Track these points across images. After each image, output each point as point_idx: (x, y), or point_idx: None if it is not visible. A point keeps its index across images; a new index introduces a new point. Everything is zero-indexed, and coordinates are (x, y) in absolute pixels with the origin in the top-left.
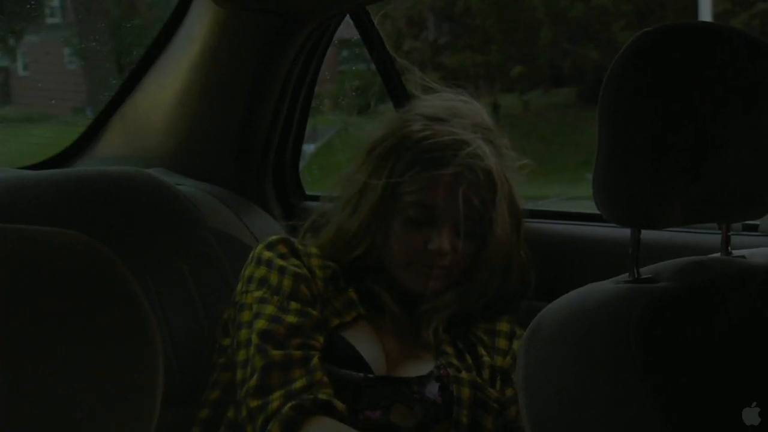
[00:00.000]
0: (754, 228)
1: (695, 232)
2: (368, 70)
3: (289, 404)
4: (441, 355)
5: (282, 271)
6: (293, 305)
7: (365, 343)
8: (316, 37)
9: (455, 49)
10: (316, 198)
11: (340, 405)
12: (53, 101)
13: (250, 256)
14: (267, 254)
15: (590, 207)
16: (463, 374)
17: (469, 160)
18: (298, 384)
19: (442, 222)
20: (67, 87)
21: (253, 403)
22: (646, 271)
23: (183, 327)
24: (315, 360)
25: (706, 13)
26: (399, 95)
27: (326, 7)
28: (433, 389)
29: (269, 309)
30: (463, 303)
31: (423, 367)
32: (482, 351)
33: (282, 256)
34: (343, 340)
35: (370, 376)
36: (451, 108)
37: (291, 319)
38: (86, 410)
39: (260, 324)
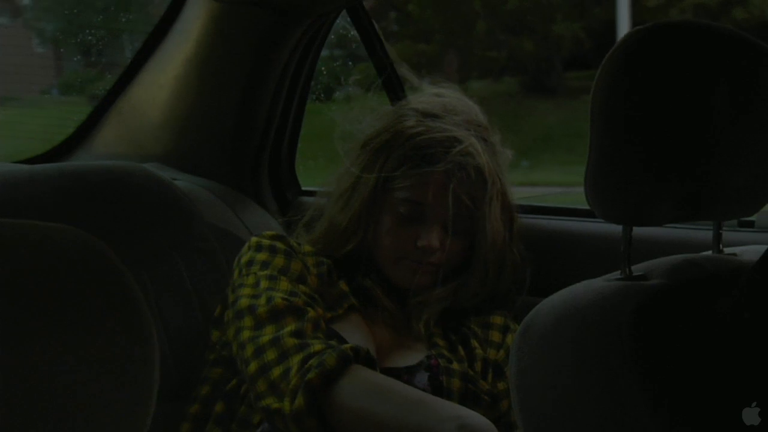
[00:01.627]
0: (750, 224)
1: (688, 229)
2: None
3: (332, 349)
4: (432, 347)
5: (288, 255)
6: (302, 288)
7: (356, 335)
8: (312, 33)
9: (398, 37)
10: (311, 193)
11: (375, 361)
12: (21, 84)
13: (247, 245)
14: (266, 241)
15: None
16: (454, 365)
17: (460, 158)
18: (327, 340)
19: (431, 219)
20: (35, 70)
21: (291, 342)
22: (638, 268)
23: (178, 322)
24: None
25: (623, 8)
26: (395, 89)
27: (322, 2)
28: (422, 378)
29: (284, 285)
30: (455, 299)
31: (413, 358)
32: (475, 343)
33: (283, 247)
34: (334, 332)
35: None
36: (445, 104)
37: (305, 299)
38: (81, 404)
39: (279, 294)
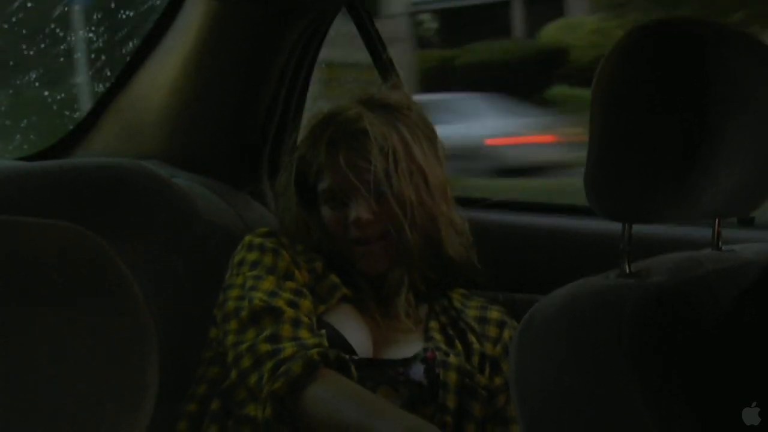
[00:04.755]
0: (750, 222)
1: (687, 227)
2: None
3: (300, 354)
4: (429, 341)
5: (276, 253)
6: (289, 284)
7: (350, 327)
8: (311, 30)
9: None
10: None
11: (348, 362)
12: None
13: (240, 244)
14: (258, 240)
15: None
16: (451, 358)
17: (342, 126)
18: (309, 339)
19: (350, 194)
20: None
21: (264, 348)
22: (637, 266)
23: (176, 320)
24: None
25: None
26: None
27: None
28: (418, 371)
29: (266, 284)
30: (411, 274)
31: (409, 350)
32: (472, 338)
33: (272, 246)
34: (328, 325)
35: (355, 358)
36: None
37: (288, 296)
38: (80, 404)
39: (259, 295)
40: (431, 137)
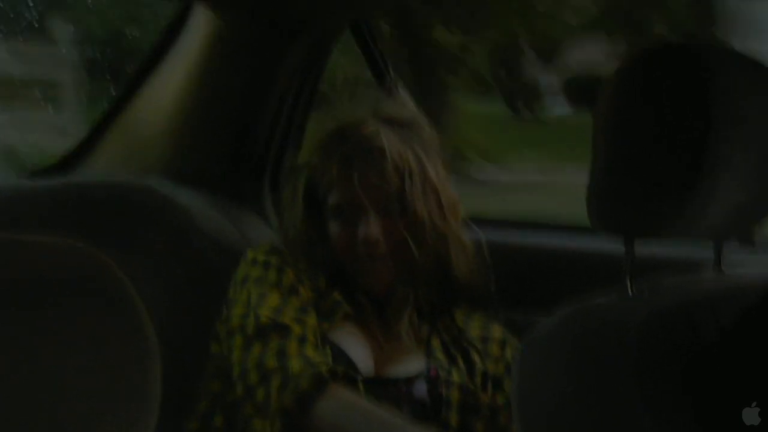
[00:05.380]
0: (752, 243)
1: (689, 248)
2: None
3: (308, 370)
4: (431, 359)
5: (280, 270)
6: (293, 301)
7: (353, 345)
8: (315, 50)
9: None
10: None
11: (356, 378)
12: None
13: (242, 259)
14: (261, 256)
15: None
16: (454, 377)
17: (358, 144)
18: (314, 357)
19: (360, 211)
20: None
21: (271, 364)
22: (639, 287)
23: (179, 335)
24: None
25: None
26: None
27: (324, 20)
28: (421, 389)
29: (271, 301)
30: (417, 293)
31: (411, 368)
32: (475, 356)
33: (276, 262)
34: (331, 342)
35: (359, 377)
36: (359, 106)
37: (293, 313)
38: (84, 418)
39: (264, 312)
40: (442, 156)
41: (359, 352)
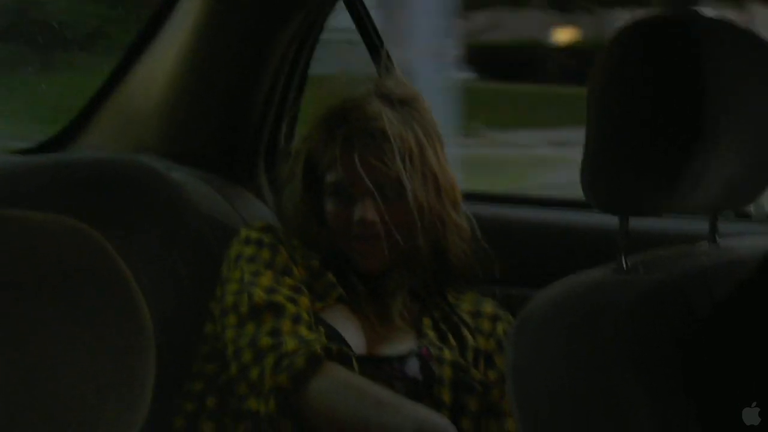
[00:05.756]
0: (746, 216)
1: (684, 220)
2: None
3: (302, 348)
4: (423, 337)
5: (273, 248)
6: (287, 281)
7: (345, 325)
8: (308, 24)
9: None
10: None
11: (350, 356)
12: None
13: (236, 238)
14: (255, 234)
15: None
16: (445, 353)
17: (360, 125)
18: (308, 336)
19: (358, 192)
20: None
21: (265, 342)
22: (633, 261)
23: (174, 314)
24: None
25: None
26: None
27: None
28: (413, 366)
29: (265, 280)
30: (412, 276)
31: (403, 346)
32: (466, 333)
33: (269, 241)
34: (324, 322)
35: (353, 355)
36: (359, 84)
37: (286, 292)
38: (77, 399)
39: (258, 291)
40: (441, 139)
41: (351, 332)
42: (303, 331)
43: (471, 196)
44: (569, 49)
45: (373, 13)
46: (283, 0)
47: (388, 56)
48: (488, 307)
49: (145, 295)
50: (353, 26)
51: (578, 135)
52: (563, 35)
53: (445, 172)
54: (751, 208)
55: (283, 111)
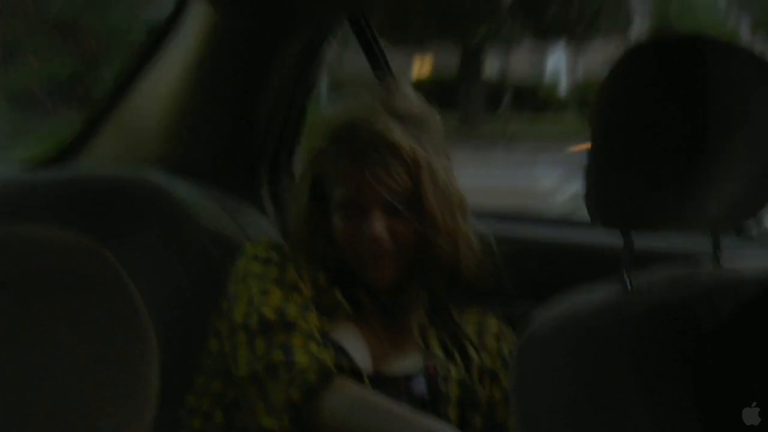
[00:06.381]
0: (749, 235)
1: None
2: None
3: (314, 364)
4: (429, 354)
5: (281, 266)
6: (295, 298)
7: (352, 342)
8: (312, 38)
9: None
10: None
11: (362, 372)
12: None
13: (243, 254)
14: (262, 252)
15: None
16: (452, 372)
17: (370, 139)
18: (318, 351)
19: (368, 207)
20: None
21: (278, 358)
22: (637, 280)
23: (177, 329)
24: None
25: None
26: None
27: (321, 13)
28: (420, 386)
29: (274, 298)
30: (429, 291)
31: (410, 364)
32: (471, 351)
33: (277, 258)
34: (332, 340)
35: (363, 371)
36: (365, 99)
37: (296, 310)
38: (80, 408)
39: (268, 309)
40: (448, 153)
41: (358, 349)
42: (314, 347)
43: (474, 214)
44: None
45: None
46: (288, 14)
47: (393, 74)
48: (493, 324)
49: (148, 307)
50: None
51: None
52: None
53: (454, 186)
54: (752, 226)
55: (287, 125)
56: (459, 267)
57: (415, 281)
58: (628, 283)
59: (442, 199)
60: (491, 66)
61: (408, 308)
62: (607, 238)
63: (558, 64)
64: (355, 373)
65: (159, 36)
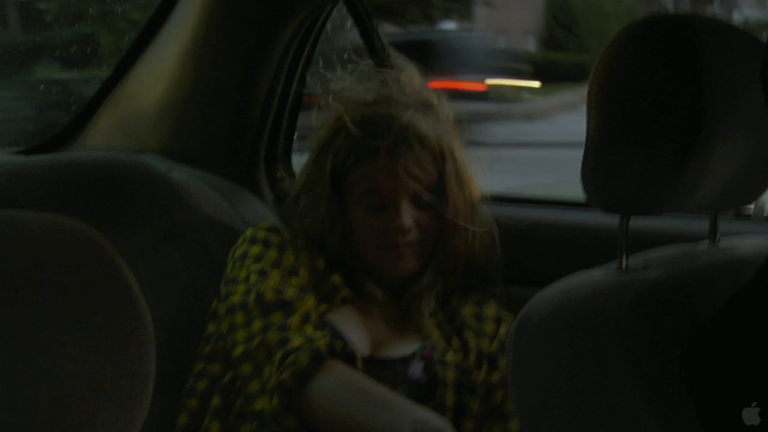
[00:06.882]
0: (746, 216)
1: (684, 220)
2: None
3: (307, 345)
4: (426, 339)
5: (280, 249)
6: (294, 281)
7: (350, 327)
8: (309, 23)
9: None
10: None
11: (354, 355)
12: None
13: (242, 237)
14: (261, 234)
15: None
16: (449, 356)
17: (400, 133)
18: (314, 333)
19: (396, 201)
20: None
21: (273, 338)
22: (634, 260)
23: (174, 314)
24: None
25: None
26: None
27: None
28: (416, 369)
29: (272, 280)
30: (445, 280)
31: (408, 349)
32: (469, 335)
33: (276, 241)
34: (329, 324)
35: (357, 354)
36: (382, 85)
37: (293, 292)
38: (78, 395)
39: (266, 290)
40: (460, 137)
41: (356, 333)
42: (309, 329)
43: None
44: None
45: None
46: (282, 1)
47: (388, 55)
48: (491, 309)
49: (145, 294)
50: None
51: None
52: None
53: (474, 178)
54: (751, 208)
55: (284, 111)
56: (474, 255)
57: (430, 270)
58: (625, 264)
59: (462, 189)
60: None
61: (418, 295)
62: (604, 219)
63: None
64: (349, 357)
65: (155, 22)
